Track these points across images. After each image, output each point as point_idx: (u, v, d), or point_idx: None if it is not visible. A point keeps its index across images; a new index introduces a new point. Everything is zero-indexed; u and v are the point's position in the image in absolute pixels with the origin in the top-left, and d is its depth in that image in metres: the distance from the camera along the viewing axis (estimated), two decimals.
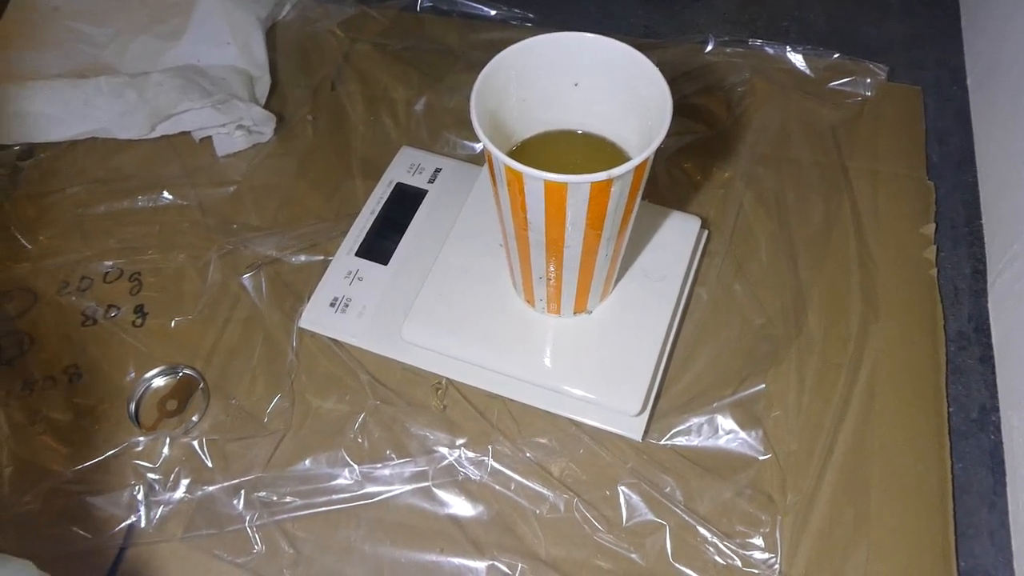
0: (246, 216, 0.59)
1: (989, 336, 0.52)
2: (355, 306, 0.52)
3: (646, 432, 0.48)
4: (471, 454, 0.48)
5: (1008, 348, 0.50)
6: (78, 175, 0.61)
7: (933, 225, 0.56)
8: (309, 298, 0.53)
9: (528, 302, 0.48)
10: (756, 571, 0.44)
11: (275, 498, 0.47)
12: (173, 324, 0.54)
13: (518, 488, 0.47)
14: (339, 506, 0.47)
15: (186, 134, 0.62)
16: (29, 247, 0.58)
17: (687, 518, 0.45)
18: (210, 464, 0.48)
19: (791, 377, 0.50)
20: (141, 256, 0.57)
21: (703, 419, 0.49)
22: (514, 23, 0.70)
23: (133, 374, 0.52)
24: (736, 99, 0.64)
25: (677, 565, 0.44)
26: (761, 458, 0.47)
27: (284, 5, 0.71)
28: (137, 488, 0.47)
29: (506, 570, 0.45)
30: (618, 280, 0.49)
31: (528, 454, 0.48)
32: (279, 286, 0.55)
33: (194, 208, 0.59)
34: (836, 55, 0.65)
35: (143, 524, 0.47)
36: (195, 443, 0.49)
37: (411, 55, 0.68)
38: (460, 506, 0.47)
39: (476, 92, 0.36)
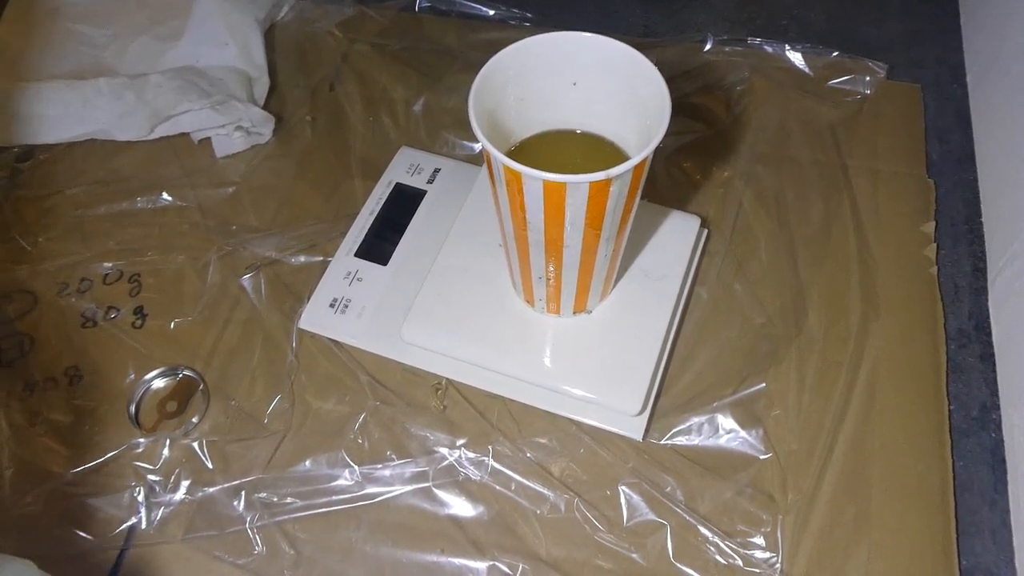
0: (245, 217, 0.59)
1: (989, 334, 0.52)
2: (355, 307, 0.52)
3: (646, 432, 0.48)
4: (471, 454, 0.48)
5: (1008, 346, 0.50)
6: (77, 177, 0.61)
7: (933, 223, 0.56)
8: (309, 299, 0.53)
9: (528, 302, 0.48)
10: (757, 570, 0.44)
11: (275, 499, 0.47)
12: (173, 325, 0.54)
13: (518, 488, 0.47)
14: (339, 507, 0.47)
15: (185, 135, 0.62)
16: (29, 249, 0.58)
17: (688, 518, 0.45)
18: (210, 465, 0.48)
19: (791, 376, 0.50)
20: (140, 257, 0.57)
21: (703, 418, 0.49)
22: (512, 23, 0.70)
23: (133, 375, 0.52)
24: (735, 98, 0.64)
25: (678, 565, 0.44)
26: (762, 457, 0.47)
27: (282, 6, 0.71)
28: (137, 489, 0.47)
29: (507, 570, 0.45)
30: (618, 280, 0.49)
31: (528, 454, 0.48)
32: (278, 287, 0.55)
33: (193, 209, 0.59)
34: (835, 53, 0.65)
35: (144, 525, 0.47)
36: (195, 444, 0.49)
37: (410, 55, 0.68)
38: (460, 506, 0.47)
39: (474, 92, 0.36)
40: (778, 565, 0.44)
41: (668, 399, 0.50)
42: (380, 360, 0.51)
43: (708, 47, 0.66)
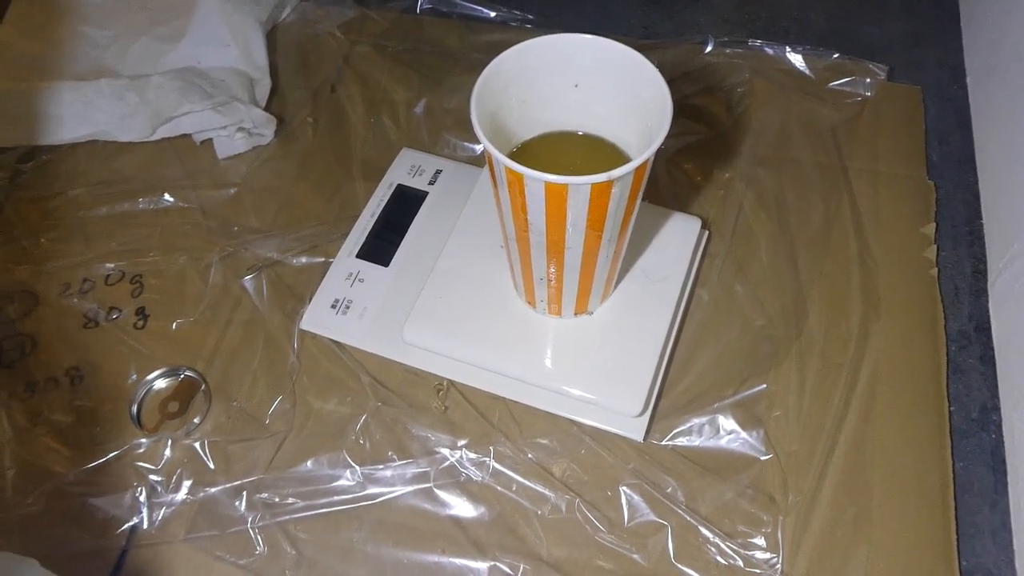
0: (247, 218, 0.59)
1: (990, 335, 0.52)
2: (356, 308, 0.52)
3: (647, 433, 0.48)
4: (472, 455, 0.48)
5: (1009, 347, 0.50)
6: (79, 177, 0.61)
7: (933, 225, 0.56)
8: (310, 300, 0.53)
9: (529, 303, 0.48)
10: (758, 571, 0.44)
11: (277, 499, 0.47)
12: (174, 326, 0.54)
13: (520, 489, 0.47)
14: (341, 507, 0.47)
15: (187, 136, 0.62)
16: (31, 250, 0.58)
17: (689, 518, 0.45)
18: (212, 466, 0.48)
19: (792, 377, 0.50)
20: (142, 258, 0.57)
21: (704, 419, 0.49)
22: (514, 24, 0.70)
23: (135, 376, 0.52)
24: (736, 100, 0.64)
25: (679, 565, 0.44)
26: (762, 458, 0.47)
27: (284, 7, 0.71)
28: (139, 490, 0.48)
29: (508, 571, 0.45)
30: (619, 281, 0.49)
31: (529, 455, 0.48)
32: (280, 288, 0.55)
33: (195, 210, 0.59)
34: (836, 55, 0.65)
35: (145, 525, 0.47)
36: (197, 445, 0.49)
37: (411, 57, 0.68)
38: (462, 507, 0.47)
39: (476, 94, 0.36)
40: (778, 566, 0.44)
41: (669, 400, 0.50)
42: (382, 361, 0.51)
43: (709, 49, 0.67)
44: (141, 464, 0.49)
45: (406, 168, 0.58)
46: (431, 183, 0.57)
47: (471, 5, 0.71)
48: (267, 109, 0.64)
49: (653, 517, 0.46)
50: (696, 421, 0.49)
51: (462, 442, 0.49)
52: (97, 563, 0.46)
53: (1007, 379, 0.50)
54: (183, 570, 0.45)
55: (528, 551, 0.45)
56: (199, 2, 0.64)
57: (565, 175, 0.33)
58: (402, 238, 0.55)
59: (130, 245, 0.58)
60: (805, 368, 0.51)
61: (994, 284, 0.54)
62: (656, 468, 0.47)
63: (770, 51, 0.66)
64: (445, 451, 0.48)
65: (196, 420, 0.50)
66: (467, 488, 0.47)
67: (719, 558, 0.44)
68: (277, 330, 0.53)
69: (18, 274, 0.57)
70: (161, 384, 0.52)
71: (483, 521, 0.46)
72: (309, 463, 0.48)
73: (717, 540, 0.45)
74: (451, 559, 0.45)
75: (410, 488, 0.47)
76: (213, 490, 0.47)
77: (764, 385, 0.50)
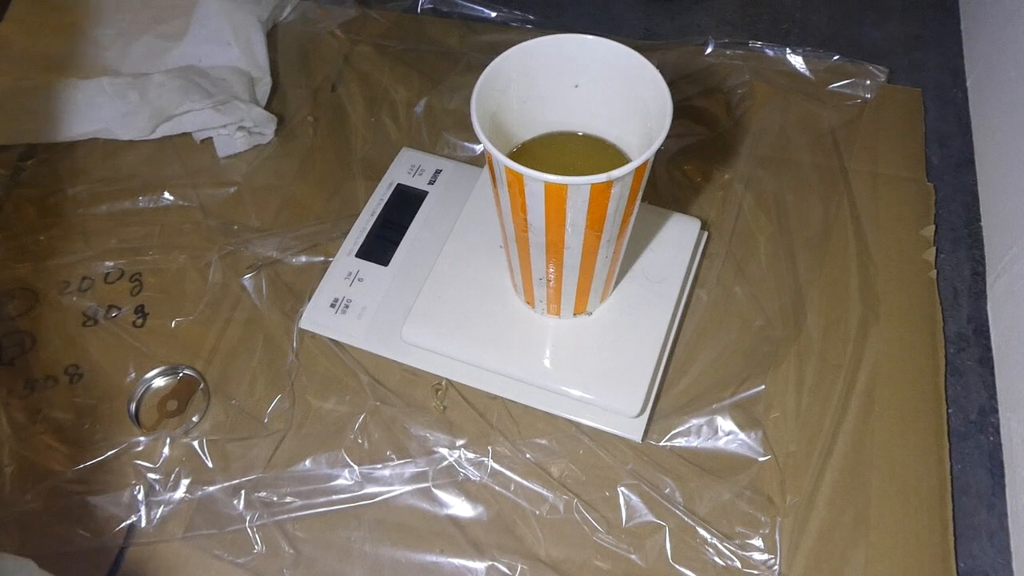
0: (247, 217, 0.59)
1: (988, 338, 0.52)
2: (355, 307, 0.52)
3: (646, 433, 0.48)
4: (471, 455, 0.48)
5: (1007, 350, 0.50)
6: (80, 175, 0.61)
7: (933, 227, 0.56)
8: (309, 299, 0.53)
9: (528, 303, 0.48)
10: (755, 572, 0.44)
11: (275, 498, 0.47)
12: (174, 324, 0.54)
13: (518, 489, 0.47)
14: (339, 506, 0.47)
15: (187, 135, 0.62)
16: (31, 247, 0.58)
17: (687, 519, 0.46)
18: (210, 464, 0.48)
19: (790, 378, 0.50)
20: (142, 256, 0.57)
21: (703, 420, 0.49)
22: (514, 25, 0.70)
23: (134, 374, 0.52)
24: (736, 101, 0.64)
25: (677, 566, 0.44)
26: (760, 459, 0.48)
27: (285, 7, 0.71)
28: (137, 488, 0.48)
29: (506, 571, 0.45)
30: (618, 281, 0.49)
31: (528, 455, 0.48)
32: (280, 287, 0.55)
33: (195, 209, 0.59)
34: (836, 57, 0.65)
35: (143, 524, 0.47)
36: (195, 443, 0.49)
37: (412, 57, 0.68)
38: (460, 507, 0.47)
39: (476, 94, 0.36)
40: (776, 567, 0.44)
41: (667, 401, 0.50)
42: (380, 360, 0.51)
43: (709, 50, 0.67)
44: (139, 462, 0.49)
45: (406, 168, 0.58)
46: (431, 183, 0.57)
47: (472, 5, 0.71)
48: (267, 108, 0.64)
49: (651, 518, 0.46)
50: (694, 422, 0.49)
51: (460, 442, 0.49)
52: (95, 561, 0.46)
53: (1005, 381, 0.50)
54: (181, 569, 0.46)
55: (526, 551, 0.45)
56: (200, 1, 0.64)
57: (565, 175, 0.33)
58: (401, 238, 0.55)
59: (130, 243, 0.58)
60: (804, 369, 0.51)
61: (993, 286, 0.54)
62: (654, 469, 0.47)
63: (770, 53, 0.66)
64: (443, 451, 0.48)
65: (195, 419, 0.50)
66: (465, 488, 0.47)
67: (717, 559, 0.44)
68: (276, 329, 0.53)
69: (18, 271, 0.57)
70: (160, 382, 0.52)
71: (481, 521, 0.46)
72: (307, 462, 0.48)
73: (715, 541, 0.45)
74: (449, 559, 0.45)
75: (408, 488, 0.47)
76: (211, 489, 0.47)
77: (762, 386, 0.50)
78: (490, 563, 0.45)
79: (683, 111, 0.63)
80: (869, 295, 0.53)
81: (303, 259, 0.56)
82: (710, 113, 0.63)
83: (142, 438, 0.49)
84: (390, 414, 0.50)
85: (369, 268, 0.54)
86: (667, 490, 0.47)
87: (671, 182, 0.59)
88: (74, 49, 0.66)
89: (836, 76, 0.64)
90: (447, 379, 0.51)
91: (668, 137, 0.35)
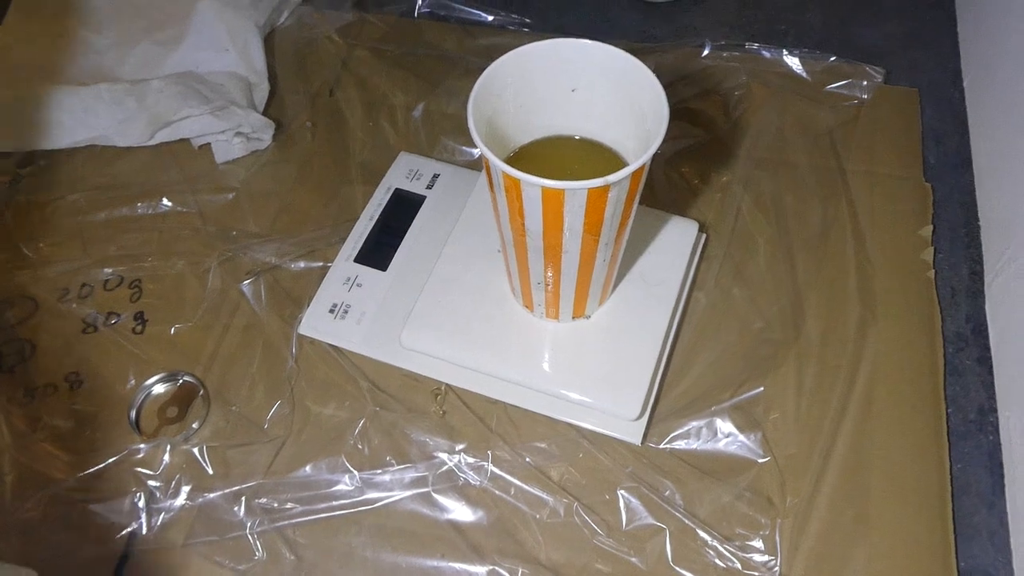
0: (245, 223, 0.59)
1: (987, 337, 0.52)
2: (354, 312, 0.52)
3: (645, 436, 0.48)
4: (471, 459, 0.48)
5: (1005, 349, 0.50)
6: (78, 182, 0.61)
7: (930, 227, 0.56)
8: (308, 304, 0.53)
9: (527, 307, 0.48)
10: (756, 574, 0.44)
11: (276, 504, 0.47)
12: (173, 331, 0.54)
13: (518, 493, 0.47)
14: (340, 512, 0.47)
15: (185, 141, 0.62)
16: (29, 255, 0.58)
17: (687, 521, 0.46)
18: (211, 471, 0.48)
19: (789, 380, 0.50)
20: (141, 263, 0.57)
21: (702, 422, 0.49)
22: (511, 28, 0.71)
23: (133, 381, 0.52)
24: (733, 103, 0.64)
25: (677, 568, 0.44)
26: (760, 461, 0.48)
27: (282, 12, 0.71)
28: (138, 495, 0.48)
29: (506, 575, 0.45)
30: (616, 285, 0.49)
31: (528, 459, 0.48)
32: (278, 292, 0.55)
33: (194, 215, 0.59)
34: (833, 58, 0.65)
35: (144, 531, 0.47)
36: (195, 450, 0.49)
37: (409, 61, 0.68)
38: (460, 511, 0.47)
39: (473, 98, 0.36)
40: (777, 568, 0.44)
41: (667, 403, 0.50)
42: (380, 365, 0.51)
43: (706, 52, 0.67)
44: (140, 469, 0.49)
45: (404, 172, 0.58)
46: (429, 187, 0.57)
47: (469, 9, 0.71)
48: (265, 113, 0.64)
49: (651, 520, 0.46)
50: (694, 424, 0.49)
51: (460, 446, 0.49)
52: (96, 569, 0.46)
53: (1004, 381, 0.50)
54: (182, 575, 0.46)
55: (526, 555, 0.45)
56: (197, 7, 0.65)
57: (562, 180, 0.33)
58: (400, 242, 0.55)
59: (129, 250, 0.58)
60: (803, 371, 0.51)
61: (991, 286, 0.54)
62: (654, 471, 0.47)
63: (767, 54, 0.66)
64: (443, 455, 0.48)
65: (195, 425, 0.50)
66: (465, 492, 0.47)
67: (717, 561, 0.44)
68: (275, 335, 0.53)
69: (17, 279, 0.57)
70: (160, 389, 0.52)
71: (481, 525, 0.46)
72: (308, 468, 0.48)
73: (715, 543, 0.45)
74: (450, 563, 0.45)
75: (409, 492, 0.47)
76: (212, 495, 0.48)
77: (762, 388, 0.50)
78: (491, 567, 0.45)
79: (680, 113, 0.63)
80: (867, 296, 0.53)
81: (302, 264, 0.56)
82: (707, 115, 0.63)
83: (142, 445, 0.49)
84: (390, 419, 0.50)
85: (368, 273, 0.54)
86: (667, 492, 0.47)
87: (669, 185, 0.59)
88: (71, 56, 0.66)
89: (833, 77, 0.65)
90: (446, 384, 0.51)
91: (665, 140, 0.35)
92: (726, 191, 0.59)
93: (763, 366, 0.51)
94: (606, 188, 0.34)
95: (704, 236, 0.56)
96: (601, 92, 0.40)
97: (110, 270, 0.57)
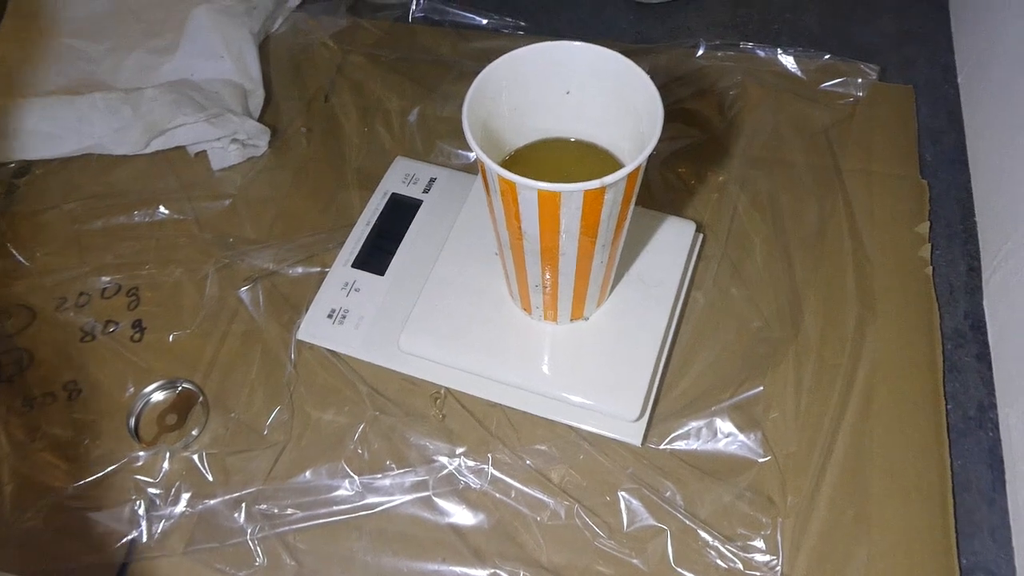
0: (242, 229, 0.59)
1: (985, 333, 0.52)
2: (352, 317, 0.52)
3: (645, 437, 0.48)
4: (471, 463, 0.48)
5: (1004, 345, 0.50)
6: (74, 191, 0.62)
7: (927, 224, 0.56)
8: (307, 310, 0.53)
9: (525, 310, 0.48)
10: (758, 573, 0.44)
11: (276, 510, 0.47)
12: (171, 338, 0.54)
13: (518, 496, 0.47)
14: (340, 517, 0.47)
15: (181, 149, 0.62)
16: (27, 264, 0.58)
17: (688, 522, 0.45)
18: (210, 478, 0.48)
19: (789, 379, 0.50)
20: (138, 271, 0.57)
21: (702, 423, 0.49)
22: (506, 31, 0.71)
23: (132, 389, 0.52)
24: (728, 102, 0.64)
25: (679, 569, 0.44)
26: (760, 460, 0.48)
27: (276, 18, 0.71)
28: (138, 503, 0.48)
29: None
30: (614, 286, 0.49)
31: (528, 461, 0.48)
32: (276, 298, 0.55)
33: (190, 222, 0.59)
34: (827, 56, 0.65)
35: (144, 539, 0.47)
36: (195, 457, 0.49)
37: (404, 65, 0.68)
38: (461, 515, 0.47)
39: (468, 102, 0.36)
40: (778, 568, 0.44)
41: (666, 404, 0.50)
42: (378, 370, 0.51)
43: (701, 52, 0.67)
44: (140, 477, 0.48)
45: (400, 177, 0.58)
46: (425, 191, 0.57)
47: (463, 13, 0.72)
48: (261, 120, 0.64)
49: (652, 521, 0.46)
50: (694, 424, 0.49)
51: (460, 450, 0.49)
52: None
53: (1003, 377, 0.50)
54: None
55: (528, 558, 0.45)
56: (192, 15, 0.65)
57: (558, 182, 0.33)
58: (397, 247, 0.55)
59: (126, 258, 0.58)
60: (802, 369, 0.51)
61: (989, 282, 0.54)
62: (654, 472, 0.47)
63: (762, 53, 0.66)
64: (443, 459, 0.48)
65: (194, 432, 0.50)
66: (466, 496, 0.47)
67: (719, 561, 0.44)
68: (274, 341, 0.53)
69: (14, 288, 0.57)
70: (159, 397, 0.52)
71: (482, 529, 0.46)
72: (308, 473, 0.48)
73: (716, 543, 0.45)
74: (451, 567, 0.45)
75: (409, 497, 0.47)
76: (212, 502, 0.47)
77: (761, 387, 0.50)
78: (492, 571, 0.45)
79: (676, 114, 0.63)
80: (865, 293, 0.53)
81: (299, 270, 0.56)
82: (703, 115, 0.63)
83: (142, 453, 0.49)
84: (389, 423, 0.50)
85: (365, 278, 0.54)
86: (668, 493, 0.47)
87: (665, 185, 0.59)
88: (66, 65, 0.66)
89: (828, 75, 0.65)
90: (445, 387, 0.51)
91: (661, 140, 0.35)
92: (722, 191, 0.59)
93: (762, 365, 0.51)
94: (602, 190, 0.34)
95: (701, 236, 0.56)
96: (595, 94, 0.40)
97: (107, 278, 0.57)
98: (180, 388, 0.52)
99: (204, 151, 0.62)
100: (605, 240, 0.40)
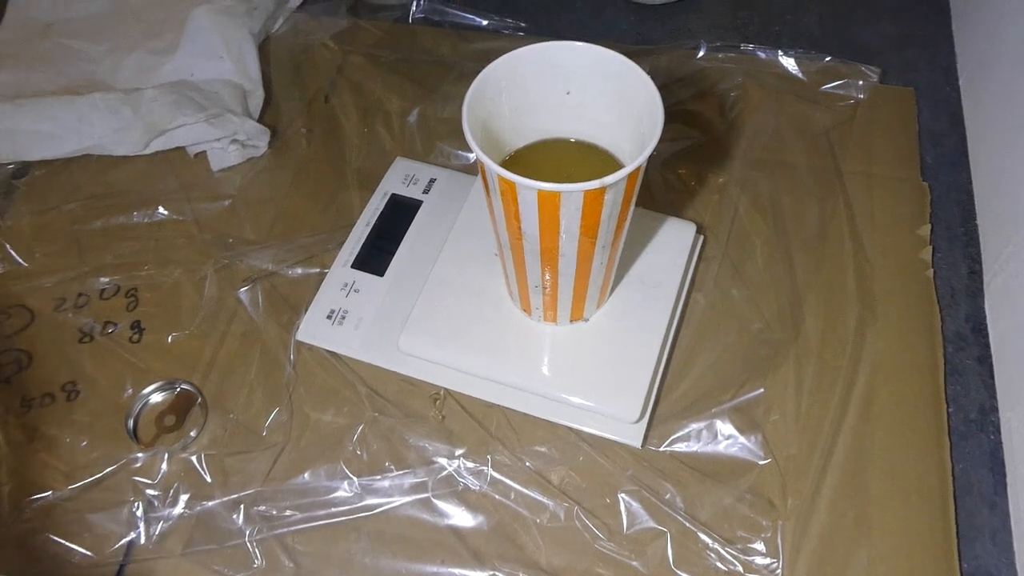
0: (242, 230, 0.59)
1: (986, 336, 0.52)
2: (352, 318, 0.52)
3: (645, 439, 0.48)
4: (470, 464, 0.48)
5: (1005, 348, 0.50)
6: (73, 192, 0.61)
7: (928, 226, 0.56)
8: (306, 311, 0.53)
9: (525, 311, 0.48)
10: None
11: (275, 512, 0.47)
12: (170, 339, 0.54)
13: (518, 497, 0.47)
14: (339, 519, 0.47)
15: (181, 149, 0.62)
16: (26, 265, 0.58)
17: (688, 524, 0.45)
18: (209, 479, 0.48)
19: (789, 381, 0.50)
20: (137, 272, 0.57)
21: (702, 424, 0.49)
22: (506, 32, 0.71)
23: (131, 390, 0.52)
24: (729, 104, 0.64)
25: (679, 572, 0.44)
26: (761, 463, 0.47)
27: (277, 19, 0.71)
28: (136, 504, 0.47)
29: None
30: (614, 287, 0.49)
31: (527, 463, 0.48)
32: (276, 299, 0.55)
33: (190, 223, 0.59)
34: (828, 58, 0.65)
35: (143, 540, 0.46)
36: (193, 458, 0.49)
37: (404, 66, 0.68)
38: (460, 517, 0.47)
39: (468, 103, 0.36)
40: (778, 571, 0.44)
41: (666, 406, 0.50)
42: (378, 371, 0.51)
43: (701, 54, 0.67)
44: (138, 479, 0.48)
45: (400, 177, 0.58)
46: (425, 192, 0.57)
47: (463, 14, 0.72)
48: (261, 120, 0.64)
49: (652, 524, 0.46)
50: (694, 426, 0.49)
51: (459, 451, 0.48)
52: None
53: (1005, 380, 0.50)
54: None
55: (527, 560, 0.45)
56: (192, 15, 0.65)
57: (558, 183, 0.33)
58: (397, 247, 0.55)
59: (125, 259, 0.58)
60: (802, 371, 0.50)
61: (990, 284, 0.54)
62: (654, 474, 0.47)
63: (762, 55, 0.66)
64: (443, 460, 0.48)
65: (193, 433, 0.50)
66: (465, 497, 0.47)
67: (719, 564, 0.44)
68: (273, 342, 0.53)
69: (13, 289, 0.56)
70: (157, 398, 0.52)
71: (482, 530, 0.46)
72: (307, 475, 0.48)
73: (716, 546, 0.45)
74: (450, 569, 0.45)
75: (408, 498, 0.47)
76: (210, 504, 0.47)
77: (761, 389, 0.50)
78: (491, 573, 0.45)
79: (676, 115, 0.63)
80: (866, 296, 0.53)
81: (299, 271, 0.56)
82: (703, 116, 0.63)
83: (140, 454, 0.49)
84: (388, 425, 0.50)
85: (365, 279, 0.53)
86: (668, 495, 0.46)
87: (666, 186, 0.59)
88: (66, 66, 0.66)
89: (828, 77, 0.65)
90: (445, 388, 0.50)
91: (662, 141, 0.35)
92: (723, 192, 0.59)
93: (763, 367, 0.51)
94: (602, 190, 0.34)
95: (702, 237, 0.56)
96: (596, 94, 0.40)
97: (106, 279, 0.57)
98: (179, 389, 0.52)
99: (204, 152, 0.62)
100: (605, 241, 0.40)
